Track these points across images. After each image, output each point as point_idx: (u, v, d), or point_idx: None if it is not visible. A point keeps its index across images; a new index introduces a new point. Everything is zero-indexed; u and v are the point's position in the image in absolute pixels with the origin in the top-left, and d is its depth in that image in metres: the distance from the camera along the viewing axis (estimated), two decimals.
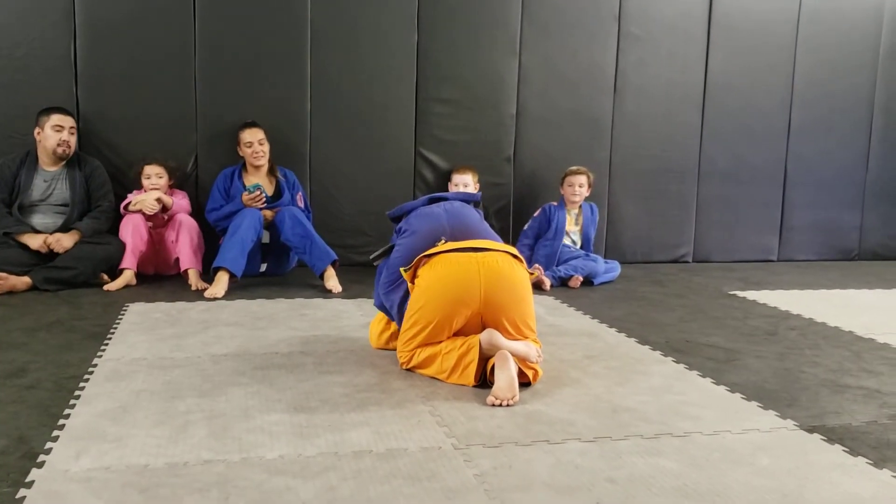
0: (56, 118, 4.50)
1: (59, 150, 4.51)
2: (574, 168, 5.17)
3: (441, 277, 2.81)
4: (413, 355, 2.92)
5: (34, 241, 4.36)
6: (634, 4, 5.68)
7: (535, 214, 5.19)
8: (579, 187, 5.09)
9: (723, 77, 5.92)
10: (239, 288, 4.48)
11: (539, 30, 5.52)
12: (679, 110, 5.89)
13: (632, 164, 5.83)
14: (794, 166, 6.21)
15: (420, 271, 2.88)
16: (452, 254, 2.84)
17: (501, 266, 2.83)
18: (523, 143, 5.61)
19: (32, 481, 1.96)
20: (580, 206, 5.23)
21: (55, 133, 4.49)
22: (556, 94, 5.62)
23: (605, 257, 5.41)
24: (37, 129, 4.52)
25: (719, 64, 5.90)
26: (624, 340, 3.57)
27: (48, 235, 4.40)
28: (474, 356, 2.77)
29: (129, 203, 4.64)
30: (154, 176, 4.71)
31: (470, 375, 2.78)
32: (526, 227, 5.22)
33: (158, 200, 4.62)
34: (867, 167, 6.38)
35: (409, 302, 2.92)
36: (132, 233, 4.51)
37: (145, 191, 4.69)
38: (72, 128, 4.56)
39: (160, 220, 4.73)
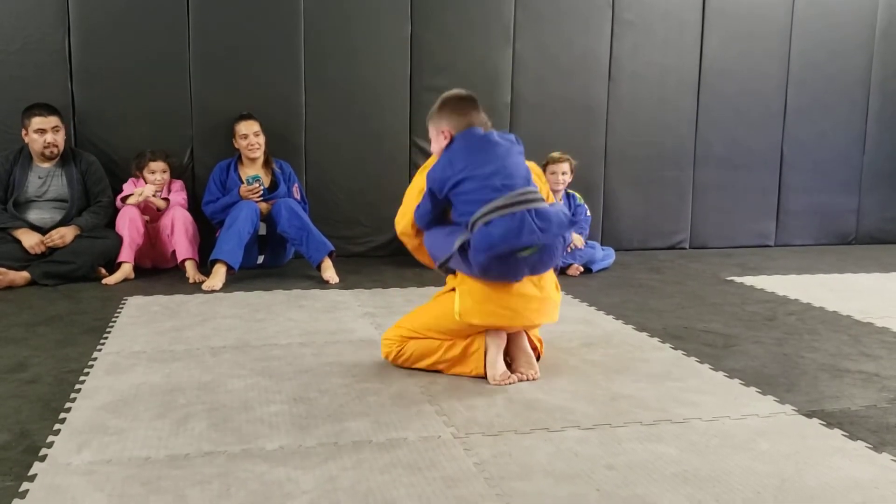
0: (36, 122, 4.43)
1: (47, 151, 4.48)
2: (556, 155, 5.06)
3: (465, 314, 2.72)
4: (402, 349, 2.86)
5: (28, 240, 4.34)
6: None
7: None
8: (562, 175, 5.03)
9: (718, 61, 5.91)
10: (236, 280, 4.48)
11: (533, 17, 5.50)
12: (674, 96, 5.88)
13: (627, 150, 5.83)
14: (791, 150, 6.20)
15: (457, 285, 2.79)
16: (488, 295, 2.70)
17: (534, 321, 2.81)
18: (518, 132, 5.47)
19: (35, 475, 1.97)
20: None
21: (39, 136, 4.45)
22: (550, 82, 5.61)
23: (601, 244, 5.41)
24: (23, 131, 4.49)
25: (714, 48, 5.89)
26: (621, 328, 3.58)
27: (44, 237, 4.37)
28: (480, 344, 2.78)
29: (127, 196, 4.63)
30: (159, 172, 4.71)
31: (477, 361, 2.78)
32: None
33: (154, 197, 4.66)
34: (864, 149, 6.38)
35: (431, 307, 2.90)
36: (128, 226, 4.51)
37: (145, 184, 4.70)
38: (55, 127, 4.48)
39: (155, 214, 4.73)
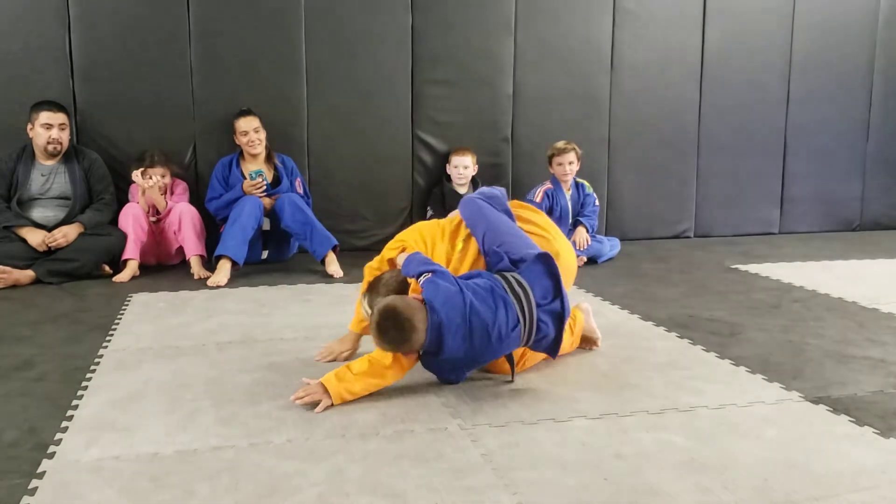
0: (44, 116, 4.44)
1: (50, 147, 4.48)
2: (560, 146, 5.05)
3: None
4: None
5: (34, 238, 4.35)
6: None
7: (537, 200, 4.98)
8: (569, 165, 5.03)
9: (720, 49, 5.88)
10: (241, 275, 4.48)
11: (534, 7, 5.48)
12: (677, 84, 5.86)
13: (630, 140, 5.81)
14: (794, 137, 6.18)
15: None
16: None
17: None
18: (520, 123, 5.59)
19: (44, 472, 1.98)
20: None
21: (45, 131, 4.46)
22: (552, 73, 5.59)
23: (605, 235, 5.41)
24: (29, 126, 4.50)
25: (716, 36, 5.86)
26: (627, 317, 3.58)
27: (48, 234, 4.37)
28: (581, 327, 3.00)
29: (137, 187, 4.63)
30: (157, 176, 4.68)
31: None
32: None
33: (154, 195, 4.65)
34: (867, 136, 6.36)
35: None
36: (132, 224, 4.50)
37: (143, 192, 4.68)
38: (62, 124, 4.49)
39: (157, 213, 4.73)
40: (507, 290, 2.47)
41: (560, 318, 2.50)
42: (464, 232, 2.85)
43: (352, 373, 2.47)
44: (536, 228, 2.80)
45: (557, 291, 2.51)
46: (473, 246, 2.77)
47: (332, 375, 2.47)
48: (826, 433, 2.24)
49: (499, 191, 2.96)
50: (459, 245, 2.82)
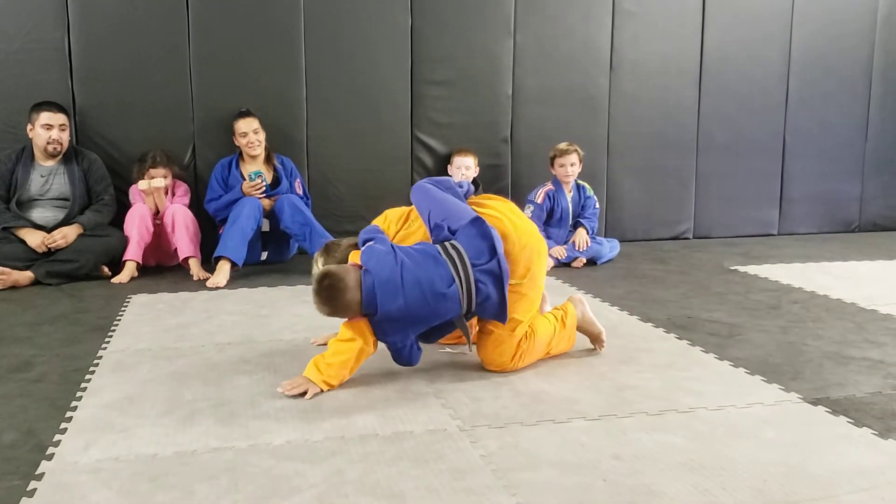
0: (45, 117, 4.45)
1: (50, 147, 4.48)
2: (563, 147, 5.06)
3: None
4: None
5: (33, 240, 4.34)
6: None
7: (538, 201, 5.01)
8: (571, 166, 5.04)
9: (719, 50, 5.89)
10: (240, 276, 4.48)
11: (533, 8, 5.49)
12: (676, 85, 5.87)
13: (629, 141, 5.82)
14: (793, 138, 6.19)
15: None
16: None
17: None
18: (520, 123, 5.59)
19: (42, 473, 1.98)
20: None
21: (45, 131, 4.46)
22: (551, 73, 5.59)
23: (605, 236, 5.41)
24: (29, 126, 4.50)
25: (715, 37, 5.87)
26: (626, 318, 3.58)
27: (48, 235, 4.37)
28: (574, 320, 2.98)
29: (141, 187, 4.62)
30: (159, 178, 4.68)
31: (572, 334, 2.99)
32: (529, 214, 4.95)
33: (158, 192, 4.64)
34: (866, 136, 6.36)
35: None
36: (138, 224, 4.50)
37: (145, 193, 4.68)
38: (62, 125, 4.50)
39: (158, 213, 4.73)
40: (441, 252, 2.62)
41: (499, 278, 2.60)
42: (416, 214, 3.00)
43: (325, 360, 2.59)
44: (489, 210, 2.83)
45: (493, 252, 2.62)
46: (421, 227, 2.90)
47: (312, 365, 2.59)
48: (825, 434, 2.24)
49: (461, 184, 3.04)
50: (408, 225, 3.01)
